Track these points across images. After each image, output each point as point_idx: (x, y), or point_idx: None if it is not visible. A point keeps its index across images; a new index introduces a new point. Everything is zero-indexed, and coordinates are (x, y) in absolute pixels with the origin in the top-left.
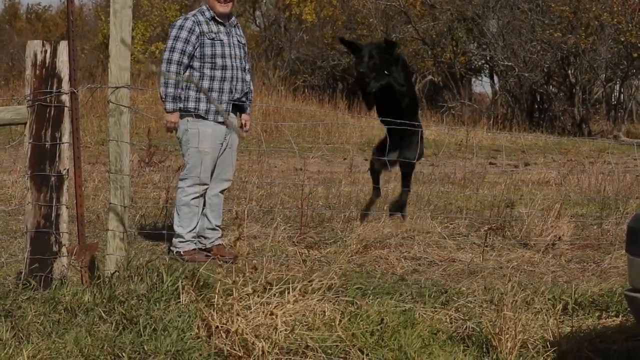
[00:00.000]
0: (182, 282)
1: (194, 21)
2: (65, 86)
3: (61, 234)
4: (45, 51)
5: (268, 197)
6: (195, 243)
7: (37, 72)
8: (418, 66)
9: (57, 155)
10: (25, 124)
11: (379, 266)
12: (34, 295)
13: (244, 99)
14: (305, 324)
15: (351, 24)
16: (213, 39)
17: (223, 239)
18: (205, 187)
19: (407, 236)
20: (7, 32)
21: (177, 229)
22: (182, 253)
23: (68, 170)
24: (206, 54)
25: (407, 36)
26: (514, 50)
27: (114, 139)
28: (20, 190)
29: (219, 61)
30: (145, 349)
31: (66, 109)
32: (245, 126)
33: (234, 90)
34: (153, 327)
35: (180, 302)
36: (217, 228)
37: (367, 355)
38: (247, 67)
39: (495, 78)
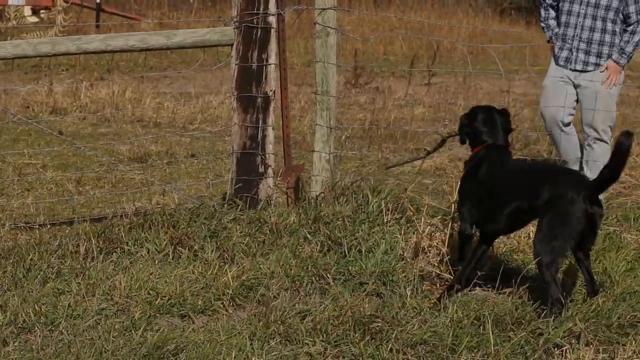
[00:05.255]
0: (386, 204)
1: None
2: (272, 7)
3: (267, 155)
4: None
5: None
6: None
7: None
8: None
9: (264, 76)
10: (231, 45)
11: None
12: (240, 215)
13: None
14: (509, 246)
15: None
16: None
17: None
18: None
19: None
20: None
21: None
22: None
23: (274, 91)
24: None
25: None
26: None
27: (321, 60)
28: (227, 112)
29: (564, 5)
30: (350, 270)
31: (273, 30)
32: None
33: (576, 38)
34: (358, 248)
35: (385, 223)
36: None
37: (571, 278)
38: (630, 14)
39: None
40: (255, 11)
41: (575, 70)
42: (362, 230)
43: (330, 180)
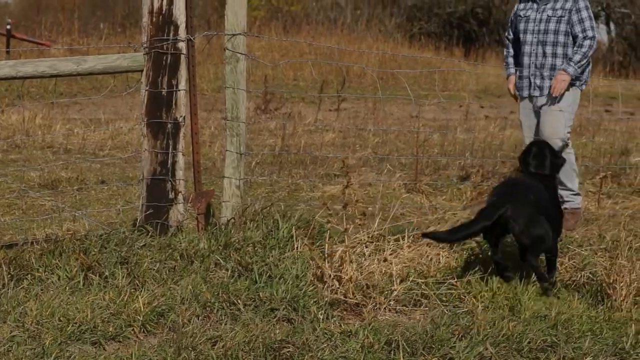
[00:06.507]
0: (296, 230)
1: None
2: (182, 33)
3: (177, 181)
4: None
5: (383, 145)
6: None
7: (154, 19)
8: None
9: (174, 102)
10: (141, 71)
11: None
12: (150, 242)
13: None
14: (419, 271)
15: None
16: (520, 16)
17: None
18: None
19: None
20: None
21: None
22: None
23: (184, 117)
24: (516, 31)
25: None
26: None
27: (231, 86)
28: (137, 138)
29: (520, 37)
30: (261, 295)
31: (183, 56)
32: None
33: (531, 65)
34: (268, 274)
35: (295, 249)
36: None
37: (482, 302)
38: (577, 33)
39: (612, 25)
40: (165, 37)
41: (533, 96)
42: (272, 255)
43: (241, 206)
